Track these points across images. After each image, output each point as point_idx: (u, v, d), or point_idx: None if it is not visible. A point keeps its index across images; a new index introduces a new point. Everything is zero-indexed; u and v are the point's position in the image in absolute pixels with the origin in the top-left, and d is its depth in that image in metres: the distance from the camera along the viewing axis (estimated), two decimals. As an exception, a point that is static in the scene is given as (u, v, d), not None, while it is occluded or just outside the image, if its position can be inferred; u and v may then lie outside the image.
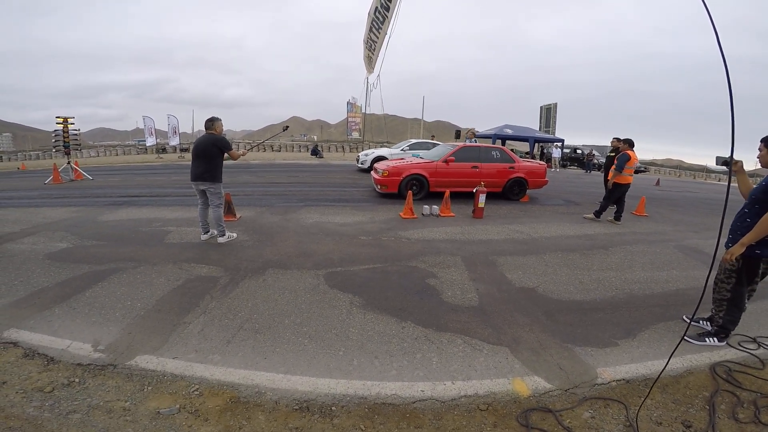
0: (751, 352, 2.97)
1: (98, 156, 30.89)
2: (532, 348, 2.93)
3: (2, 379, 2.44)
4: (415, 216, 6.84)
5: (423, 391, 2.41)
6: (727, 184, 1.95)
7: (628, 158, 6.89)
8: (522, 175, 9.08)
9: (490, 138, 24.51)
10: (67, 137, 13.09)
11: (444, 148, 9.63)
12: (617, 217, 7.31)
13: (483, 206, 6.97)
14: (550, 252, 5.28)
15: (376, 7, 14.98)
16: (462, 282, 4.12)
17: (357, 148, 33.18)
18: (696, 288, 4.22)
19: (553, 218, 7.53)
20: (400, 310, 3.43)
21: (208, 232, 5.30)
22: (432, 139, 22.35)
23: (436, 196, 8.24)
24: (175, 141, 26.42)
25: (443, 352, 2.85)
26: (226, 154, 5.07)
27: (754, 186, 2.85)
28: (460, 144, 9.54)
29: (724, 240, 2.78)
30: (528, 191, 9.29)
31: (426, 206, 7.16)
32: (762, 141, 2.84)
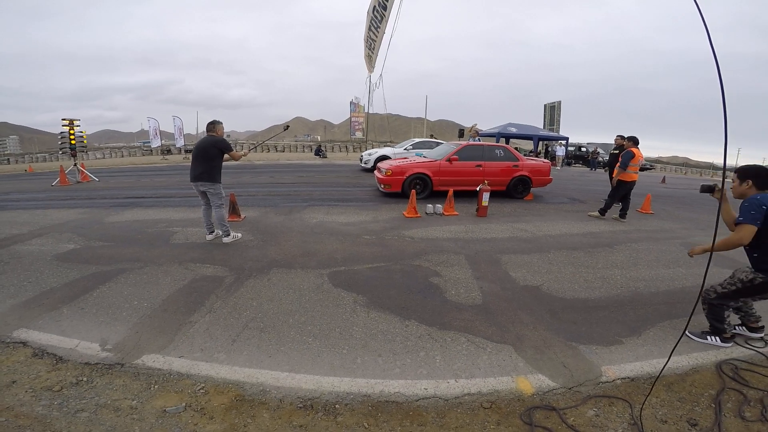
0: (759, 350, 2.95)
1: (104, 158, 31.13)
2: (536, 346, 2.92)
3: (12, 378, 2.48)
4: (418, 215, 6.85)
5: (426, 389, 2.42)
6: (721, 179, 1.94)
7: (633, 155, 6.85)
8: (526, 174, 9.07)
9: (494, 136, 24.45)
10: (73, 139, 13.21)
11: (447, 147, 9.61)
12: (622, 214, 7.26)
13: (487, 205, 6.95)
14: (555, 250, 5.26)
15: (374, 6, 14.97)
16: (466, 280, 4.12)
17: (360, 148, 33.18)
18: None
19: (558, 216, 7.51)
20: (404, 309, 3.44)
21: (213, 232, 5.33)
22: (432, 138, 22.35)
23: (440, 195, 8.24)
24: (180, 142, 26.60)
25: (447, 350, 2.86)
26: (226, 156, 5.11)
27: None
28: (464, 143, 9.52)
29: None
30: (532, 189, 9.27)
31: (429, 205, 7.16)
32: (735, 171, 2.83)
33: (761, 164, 2.86)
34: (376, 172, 9.43)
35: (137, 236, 5.62)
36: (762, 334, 3.08)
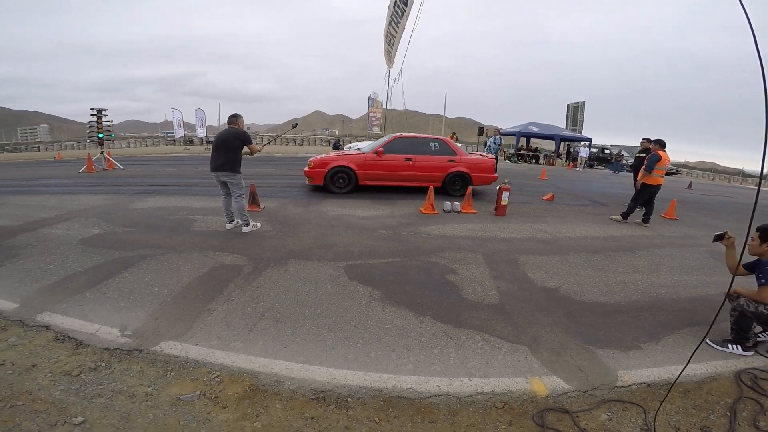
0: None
1: (129, 147, 32.02)
2: (552, 348, 2.89)
3: (33, 362, 2.54)
4: (435, 212, 6.82)
5: (439, 386, 2.42)
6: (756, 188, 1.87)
7: (659, 158, 6.64)
8: (464, 170, 8.34)
9: (515, 135, 24.08)
10: (101, 128, 13.61)
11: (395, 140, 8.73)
12: (645, 219, 7.07)
13: (506, 204, 6.87)
14: (575, 252, 5.17)
15: (395, 2, 14.88)
16: (482, 279, 4.09)
17: None
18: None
19: (579, 218, 7.36)
20: (419, 305, 3.43)
21: (233, 221, 5.44)
22: (452, 137, 22.12)
23: (394, 191, 8.18)
24: (202, 133, 27.15)
25: (461, 348, 2.84)
26: (245, 148, 5.23)
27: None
28: (396, 135, 8.88)
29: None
30: (552, 194, 9.11)
31: (447, 202, 7.12)
32: (758, 230, 2.82)
33: None
34: None
35: (159, 223, 5.77)
36: None
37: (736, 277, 2.32)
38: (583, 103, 29.89)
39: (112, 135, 14.61)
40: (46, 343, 2.77)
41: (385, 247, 4.96)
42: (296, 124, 7.41)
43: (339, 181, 8.12)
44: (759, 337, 3.04)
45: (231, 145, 5.09)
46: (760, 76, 1.30)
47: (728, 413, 2.30)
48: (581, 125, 28.94)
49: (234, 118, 5.20)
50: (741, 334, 2.94)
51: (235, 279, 3.83)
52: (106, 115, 13.71)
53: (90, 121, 13.75)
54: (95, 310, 3.22)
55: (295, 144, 36.84)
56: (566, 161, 24.77)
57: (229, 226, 5.42)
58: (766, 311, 2.82)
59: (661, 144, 6.83)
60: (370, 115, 28.09)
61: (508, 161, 22.33)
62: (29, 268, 4.09)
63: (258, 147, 5.46)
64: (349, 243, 5.02)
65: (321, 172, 8.09)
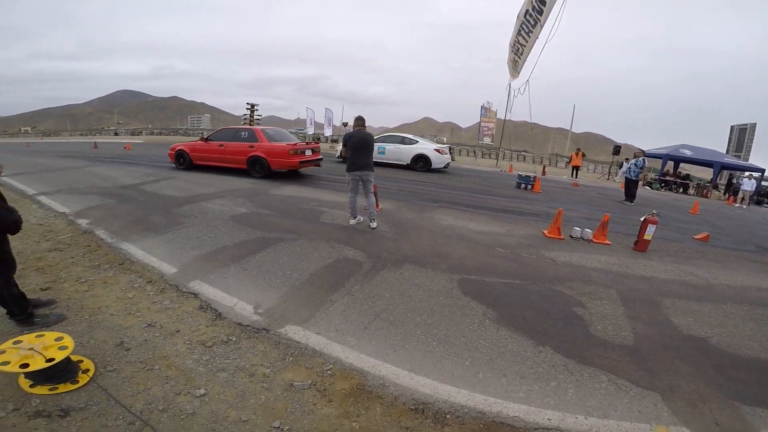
0: None
1: (266, 140, 36.64)
2: (689, 399, 2.51)
3: (177, 327, 2.89)
4: (561, 237, 6.21)
5: (550, 419, 2.24)
6: None
7: None
8: (260, 154, 9.47)
9: (661, 158, 20.87)
10: (252, 121, 15.81)
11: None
12: None
13: (650, 239, 5.92)
14: (733, 303, 4.24)
15: (527, 10, 14.12)
16: (615, 317, 3.59)
17: (490, 155, 32.03)
18: None
19: (741, 265, 5.98)
20: (539, 333, 3.17)
21: (356, 218, 5.78)
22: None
23: (463, 206, 7.36)
24: (328, 132, 29.67)
25: (582, 385, 2.57)
26: None
27: None
28: (222, 127, 11.31)
29: None
30: (707, 233, 7.57)
31: (577, 228, 6.44)
32: None
33: None
34: None
35: (293, 210, 6.41)
36: None
37: None
38: (753, 125, 24.52)
39: (259, 123, 16.89)
40: (192, 310, 3.16)
41: (502, 266, 4.68)
42: (346, 124, 7.90)
43: (180, 160, 10.58)
44: None
45: (371, 147, 5.62)
46: None
47: None
48: (748, 152, 23.75)
49: (364, 121, 5.68)
50: None
51: (355, 274, 3.98)
52: (257, 110, 15.92)
53: (245, 114, 16.13)
54: (236, 285, 3.62)
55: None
56: (725, 194, 20.45)
57: (352, 221, 5.76)
58: None
59: None
60: (482, 124, 27.07)
61: (647, 187, 19.32)
62: (189, 236, 4.88)
63: None
64: (463, 256, 4.87)
65: (172, 153, 10.78)
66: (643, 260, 5.57)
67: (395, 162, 14.39)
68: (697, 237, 7.59)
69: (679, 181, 20.48)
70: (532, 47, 14.91)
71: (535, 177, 12.48)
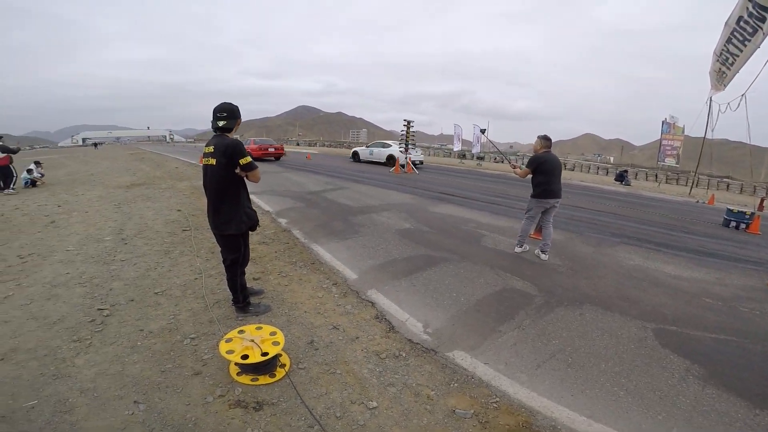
0: None
1: (417, 154, 38.28)
2: None
3: (357, 334, 3.04)
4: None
5: None
6: None
7: None
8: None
9: None
10: (408, 136, 16.64)
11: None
12: None
13: None
14: None
15: (741, 17, 11.09)
16: None
17: (677, 180, 26.22)
18: None
19: None
20: (758, 396, 2.64)
21: (522, 246, 5.34)
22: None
23: None
24: (476, 149, 29.18)
25: None
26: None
27: None
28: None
29: None
30: None
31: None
32: None
33: None
34: None
35: (453, 230, 6.34)
36: None
37: None
38: None
39: (414, 139, 17.73)
40: (369, 318, 3.31)
41: (713, 320, 3.81)
42: (484, 130, 6.89)
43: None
44: None
45: (561, 171, 5.17)
46: None
47: None
48: None
49: (551, 142, 5.13)
50: None
51: (526, 307, 3.69)
52: (412, 126, 16.71)
53: (402, 130, 17.12)
54: (407, 299, 3.69)
55: (565, 168, 34.13)
56: None
57: (517, 249, 5.33)
58: None
59: None
60: (664, 142, 22.22)
61: None
62: (365, 245, 5.25)
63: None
64: (659, 303, 4.07)
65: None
66: None
67: (377, 160, 20.11)
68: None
69: None
70: (748, 58, 11.90)
71: (753, 214, 9.57)
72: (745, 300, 4.35)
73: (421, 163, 21.39)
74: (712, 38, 12.98)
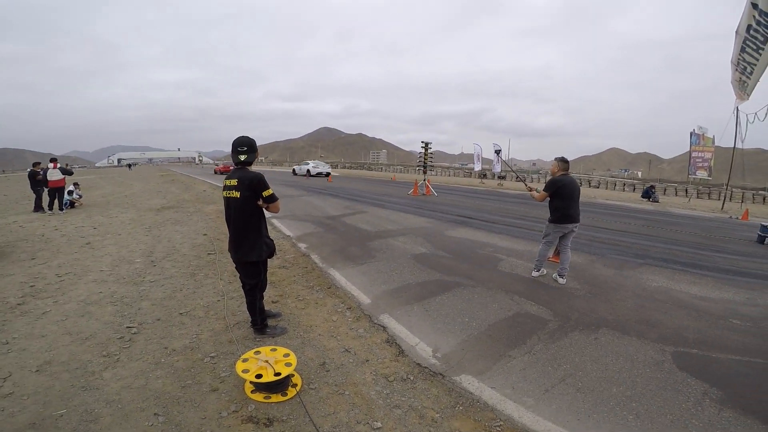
0: None
1: (436, 174, 38.46)
2: None
3: (367, 357, 3.13)
4: None
5: None
6: None
7: None
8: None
9: None
10: (426, 158, 16.83)
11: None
12: None
13: None
14: None
15: (749, 25, 10.85)
16: None
17: (709, 194, 25.17)
18: None
19: None
20: None
21: (540, 270, 5.29)
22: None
23: None
24: (497, 168, 29.09)
25: None
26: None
27: None
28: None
29: None
30: None
31: None
32: None
33: None
34: None
35: (469, 254, 6.34)
36: None
37: None
38: None
39: (432, 159, 17.88)
40: (380, 342, 3.39)
41: (738, 341, 3.70)
42: (499, 150, 6.76)
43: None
44: None
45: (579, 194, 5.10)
46: None
47: None
48: None
49: (568, 164, 5.13)
50: None
51: (538, 332, 3.67)
52: (430, 148, 16.90)
53: (420, 153, 17.34)
54: (418, 325, 3.75)
55: (590, 186, 33.42)
56: None
57: (534, 274, 5.29)
58: None
59: None
60: (693, 154, 21.37)
61: None
62: (380, 270, 5.35)
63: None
64: (681, 326, 3.98)
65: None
66: None
67: (301, 174, 27.62)
68: None
69: None
70: (766, 66, 11.61)
71: (791, 228, 9.11)
72: (779, 322, 4.18)
73: (328, 174, 25.77)
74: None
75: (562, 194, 4.97)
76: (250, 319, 3.48)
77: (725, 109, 15.90)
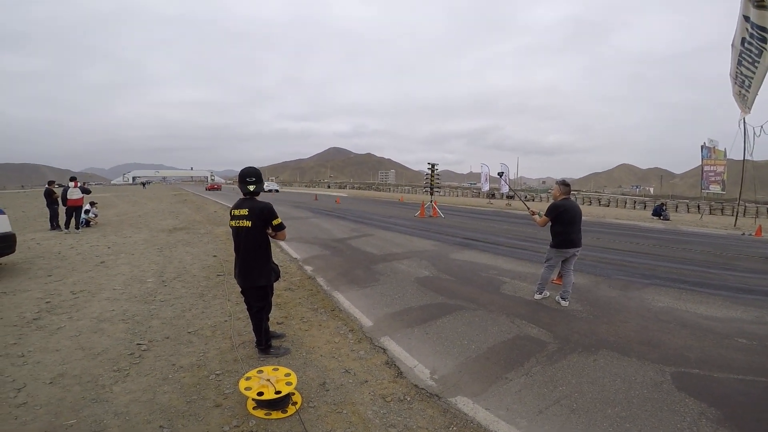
0: None
1: (443, 195, 38.56)
2: None
3: (366, 378, 3.22)
4: None
5: None
6: None
7: None
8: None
9: None
10: (432, 179, 16.99)
11: None
12: None
13: None
14: None
15: (743, 38, 10.94)
16: None
17: (722, 210, 24.59)
18: None
19: None
20: None
21: (542, 293, 5.33)
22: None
23: None
24: (504, 188, 29.11)
25: None
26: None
27: None
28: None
29: None
30: None
31: None
32: None
33: None
34: None
35: (473, 277, 6.41)
36: None
37: None
38: None
39: (439, 182, 18.06)
40: (380, 364, 3.48)
41: (742, 360, 3.68)
42: (502, 173, 6.79)
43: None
44: None
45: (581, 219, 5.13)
46: None
47: None
48: None
49: (570, 188, 5.17)
50: None
51: (537, 354, 3.71)
52: (436, 169, 17.09)
53: (426, 174, 17.53)
54: (417, 347, 3.82)
55: (599, 204, 33.09)
56: None
57: (537, 296, 5.32)
58: None
59: None
60: (705, 168, 21.03)
61: None
62: (384, 293, 5.45)
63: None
64: (684, 346, 3.98)
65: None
66: None
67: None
68: None
69: None
70: (763, 79, 11.63)
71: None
72: (786, 339, 4.16)
73: (278, 191, 25.74)
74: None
75: (563, 219, 5.00)
76: (255, 339, 3.60)
77: (735, 121, 15.79)
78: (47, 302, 4.79)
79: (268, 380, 2.79)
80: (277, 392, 2.68)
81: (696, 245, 11.15)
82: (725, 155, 20.55)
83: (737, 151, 16.60)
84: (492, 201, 29.35)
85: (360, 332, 4.16)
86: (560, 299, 5.14)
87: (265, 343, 3.56)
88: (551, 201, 5.41)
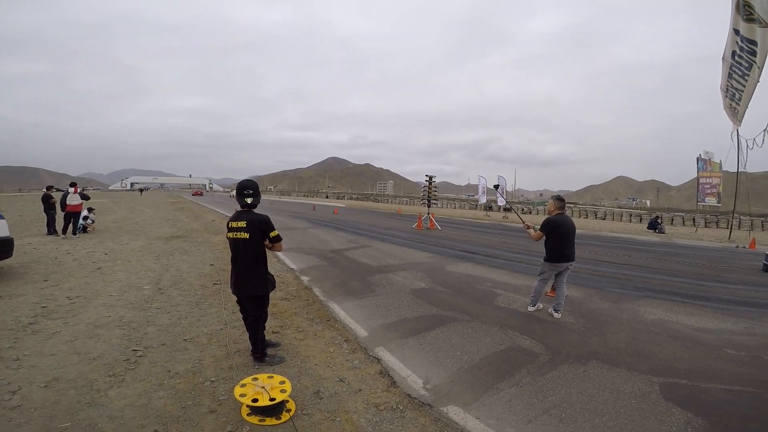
0: None
1: (441, 207, 38.69)
2: None
3: (360, 387, 3.27)
4: None
5: None
6: None
7: None
8: None
9: None
10: (430, 191, 17.11)
11: None
12: None
13: None
14: None
15: (733, 51, 11.22)
16: None
17: (717, 223, 24.80)
18: None
19: None
20: None
21: (536, 305, 5.39)
22: None
23: None
24: (501, 201, 29.30)
25: None
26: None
27: None
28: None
29: None
30: None
31: None
32: None
33: None
34: None
35: (467, 289, 6.46)
36: None
37: None
38: None
39: (437, 194, 18.17)
40: (374, 374, 3.52)
41: (729, 371, 3.77)
42: (497, 186, 6.91)
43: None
44: None
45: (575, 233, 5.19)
46: None
47: None
48: None
49: (564, 203, 5.27)
50: None
51: (528, 365, 3.76)
52: (434, 180, 17.23)
53: (424, 186, 17.67)
54: (411, 357, 3.87)
55: (596, 217, 33.33)
56: None
57: (530, 308, 5.39)
58: None
59: None
60: (702, 180, 21.23)
61: None
62: (379, 304, 5.49)
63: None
64: (673, 357, 4.05)
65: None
66: None
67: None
68: None
69: None
70: (752, 92, 11.89)
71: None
72: (775, 350, 4.24)
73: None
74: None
75: (557, 234, 5.08)
76: (251, 348, 3.64)
77: (729, 133, 16.01)
78: (43, 307, 4.80)
79: (263, 387, 2.82)
80: (272, 399, 2.72)
81: (690, 258, 11.29)
82: (720, 167, 20.76)
83: (730, 164, 16.79)
84: (489, 213, 29.48)
85: (355, 342, 4.19)
86: (553, 311, 5.20)
87: (261, 351, 3.59)
88: (547, 215, 5.51)
